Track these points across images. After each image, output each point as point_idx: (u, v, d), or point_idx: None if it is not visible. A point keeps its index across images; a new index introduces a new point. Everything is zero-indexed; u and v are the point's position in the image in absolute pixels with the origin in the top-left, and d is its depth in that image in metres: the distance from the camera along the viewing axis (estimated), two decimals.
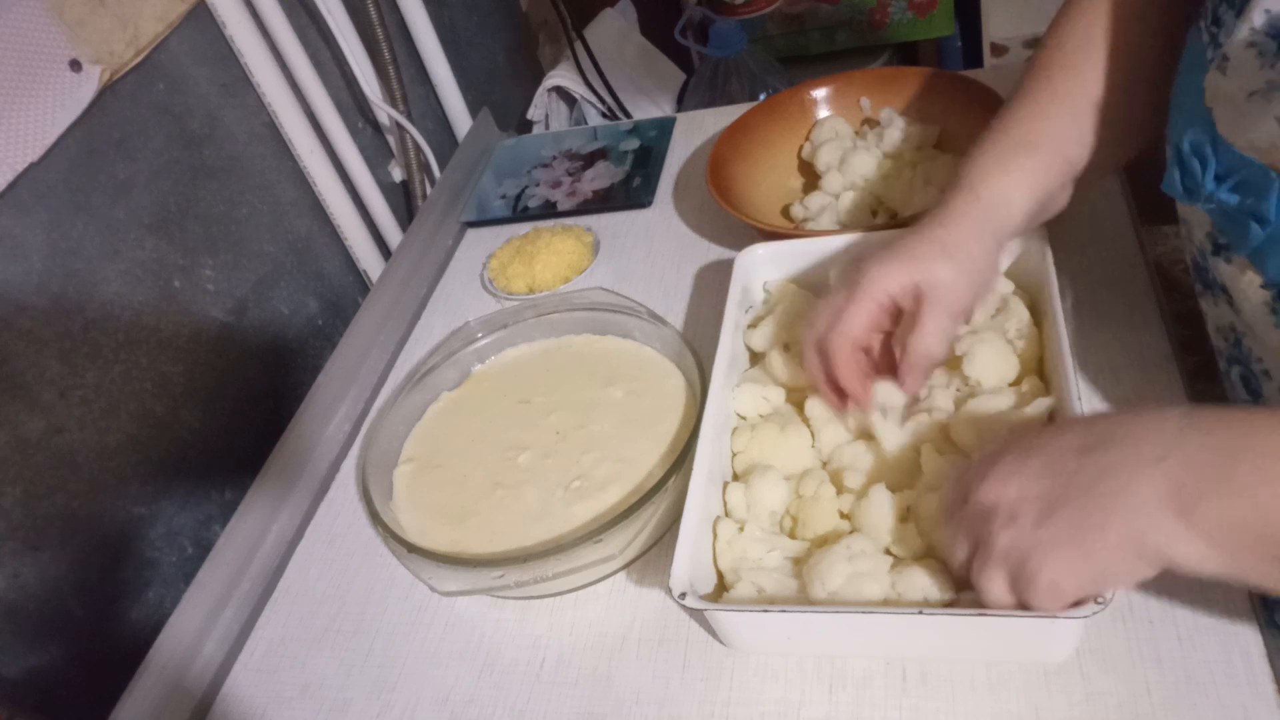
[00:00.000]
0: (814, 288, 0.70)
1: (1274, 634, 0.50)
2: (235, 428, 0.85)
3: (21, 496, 0.65)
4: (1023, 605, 0.44)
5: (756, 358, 0.68)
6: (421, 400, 0.76)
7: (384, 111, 1.07)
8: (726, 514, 0.58)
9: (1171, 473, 0.39)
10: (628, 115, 1.33)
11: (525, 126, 1.38)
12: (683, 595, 0.50)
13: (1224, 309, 0.50)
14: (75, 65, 0.71)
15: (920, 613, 0.48)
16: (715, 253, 0.85)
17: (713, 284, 0.82)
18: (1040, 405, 0.56)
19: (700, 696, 0.54)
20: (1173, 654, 0.49)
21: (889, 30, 1.55)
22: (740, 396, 0.64)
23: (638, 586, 0.61)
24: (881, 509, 0.54)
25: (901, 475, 0.57)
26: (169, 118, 0.82)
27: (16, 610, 0.64)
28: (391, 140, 1.12)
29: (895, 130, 0.84)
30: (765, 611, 0.50)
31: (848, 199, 0.80)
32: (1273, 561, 0.37)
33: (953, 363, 0.60)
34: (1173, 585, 0.51)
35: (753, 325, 0.68)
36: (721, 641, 0.56)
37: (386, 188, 1.10)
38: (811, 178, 0.87)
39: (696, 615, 0.58)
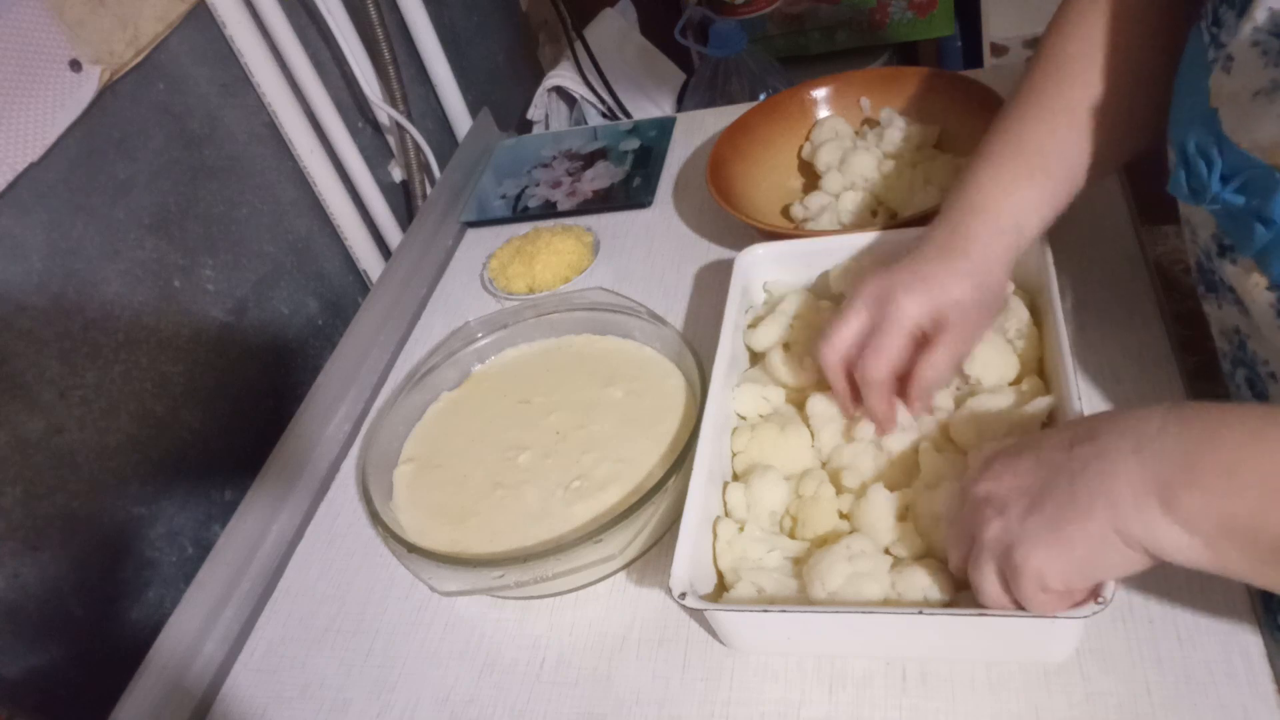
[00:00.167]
0: (814, 287, 0.70)
1: (1274, 635, 0.50)
2: (235, 428, 0.85)
3: (21, 496, 0.65)
4: (1014, 599, 0.44)
5: (756, 358, 0.68)
6: (421, 400, 0.76)
7: (384, 111, 1.07)
8: (726, 514, 0.58)
9: (1148, 463, 0.39)
10: (628, 115, 1.33)
11: (525, 126, 1.38)
12: (683, 595, 0.50)
13: (1229, 311, 0.50)
14: (75, 65, 0.71)
15: (920, 613, 0.48)
16: (715, 253, 0.85)
17: (713, 284, 0.82)
18: (1040, 404, 0.56)
19: (700, 696, 0.54)
20: (1173, 654, 0.49)
21: (889, 30, 1.55)
22: (740, 396, 0.64)
23: (638, 586, 0.61)
24: (881, 509, 0.54)
25: (901, 474, 0.57)
26: (169, 118, 0.82)
27: (16, 610, 0.64)
28: (391, 140, 1.12)
29: (895, 130, 0.84)
30: (765, 611, 0.50)
31: (848, 199, 0.80)
32: (1250, 550, 0.37)
33: None
34: (1173, 585, 0.51)
35: (753, 325, 0.68)
36: (721, 641, 0.56)
37: (386, 188, 1.10)
38: (811, 178, 0.87)
39: (696, 615, 0.58)
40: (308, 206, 0.99)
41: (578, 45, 1.32)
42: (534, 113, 1.37)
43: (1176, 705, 0.47)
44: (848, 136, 0.86)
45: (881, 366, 0.54)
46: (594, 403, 0.72)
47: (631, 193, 0.96)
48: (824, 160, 0.84)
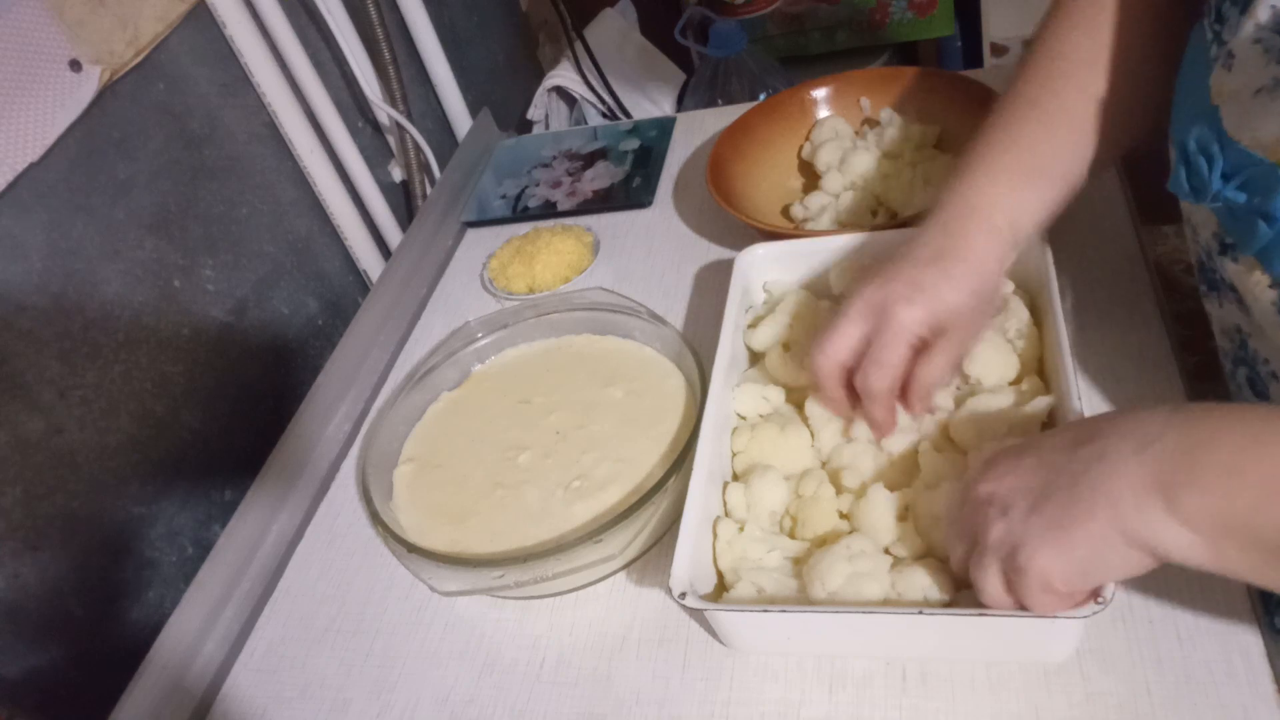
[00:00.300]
0: (814, 287, 0.70)
1: (1274, 635, 0.50)
2: (235, 428, 0.85)
3: (21, 496, 0.65)
4: (1017, 599, 0.44)
5: (756, 358, 0.68)
6: (421, 400, 0.76)
7: (384, 111, 1.07)
8: (726, 514, 0.58)
9: (1150, 463, 0.39)
10: (628, 115, 1.33)
11: (525, 126, 1.38)
12: (683, 595, 0.50)
13: (1230, 310, 0.50)
14: (75, 65, 0.71)
15: (920, 613, 0.48)
16: (715, 253, 0.85)
17: (713, 284, 0.82)
18: (1040, 404, 0.56)
19: (700, 696, 0.54)
20: (1173, 654, 0.49)
21: (889, 30, 1.55)
22: (740, 396, 0.64)
23: (638, 586, 0.61)
24: (881, 509, 0.54)
25: (900, 474, 0.57)
26: (169, 118, 0.82)
27: (16, 610, 0.64)
28: (391, 140, 1.12)
29: (895, 130, 0.84)
30: (765, 611, 0.50)
31: (848, 199, 0.80)
32: (1251, 550, 0.37)
33: None
34: (1173, 585, 0.51)
35: (753, 325, 0.68)
36: (721, 641, 0.56)
37: (386, 188, 1.10)
38: (811, 178, 0.87)
39: (696, 615, 0.58)
40: (308, 206, 0.99)
41: (578, 45, 1.32)
42: (534, 113, 1.37)
43: (1176, 705, 0.47)
44: (848, 136, 0.86)
45: (885, 379, 0.54)
46: (594, 403, 0.72)
47: (631, 193, 0.96)
48: (824, 160, 0.84)
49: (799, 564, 0.55)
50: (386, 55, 1.06)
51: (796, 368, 0.63)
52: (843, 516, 0.57)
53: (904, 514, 0.54)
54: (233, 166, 0.89)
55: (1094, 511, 0.40)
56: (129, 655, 0.63)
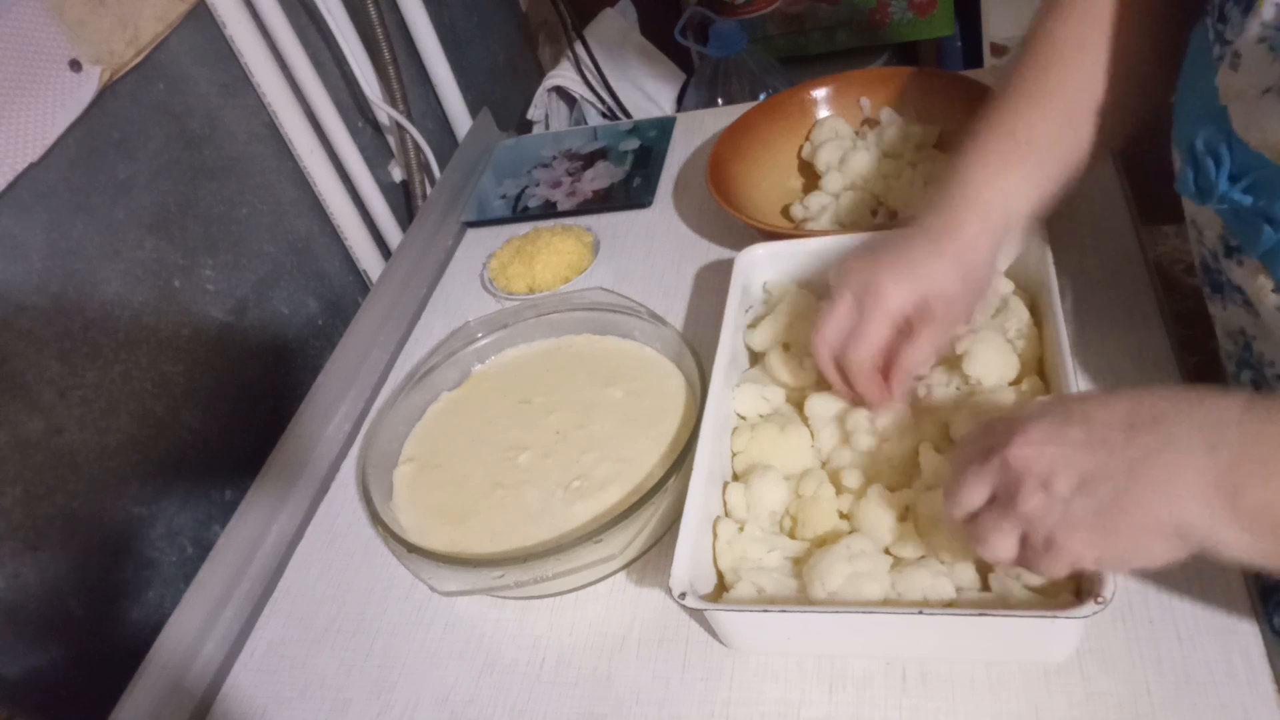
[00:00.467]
0: (814, 287, 0.70)
1: (1274, 635, 0.50)
2: (235, 428, 0.85)
3: (21, 496, 0.65)
4: (1027, 563, 0.43)
5: (756, 358, 0.68)
6: (421, 400, 0.76)
7: (384, 111, 1.07)
8: (726, 514, 0.58)
9: (1224, 462, 0.38)
10: (628, 115, 1.33)
11: (525, 126, 1.38)
12: (683, 595, 0.50)
13: (1235, 311, 0.50)
14: (75, 65, 0.71)
15: (920, 613, 0.47)
16: (715, 253, 0.85)
17: (713, 284, 0.82)
18: None
19: (700, 696, 0.54)
20: (1173, 654, 0.49)
21: (889, 30, 1.55)
22: (740, 396, 0.64)
23: (638, 586, 0.61)
24: (881, 509, 0.54)
25: (900, 475, 0.57)
26: (169, 118, 0.82)
27: (16, 610, 0.64)
28: (391, 140, 1.12)
29: (895, 130, 0.84)
30: (765, 611, 0.50)
31: (848, 199, 0.80)
32: None
33: (953, 361, 0.60)
34: (1173, 585, 0.51)
35: (753, 325, 0.68)
36: (721, 641, 0.56)
37: (386, 188, 1.10)
38: (811, 178, 0.87)
39: (696, 615, 0.58)
40: (308, 206, 0.99)
41: (578, 45, 1.32)
42: (534, 113, 1.37)
43: (1176, 705, 0.47)
44: (848, 136, 0.86)
45: (863, 352, 0.55)
46: (594, 403, 0.72)
47: (631, 193, 0.96)
48: (824, 160, 0.84)
49: (799, 564, 0.55)
50: (386, 55, 1.06)
51: (796, 368, 0.63)
52: (843, 516, 0.57)
53: (904, 514, 0.54)
54: (233, 166, 0.89)
55: (1150, 505, 0.39)
56: (129, 655, 0.63)
